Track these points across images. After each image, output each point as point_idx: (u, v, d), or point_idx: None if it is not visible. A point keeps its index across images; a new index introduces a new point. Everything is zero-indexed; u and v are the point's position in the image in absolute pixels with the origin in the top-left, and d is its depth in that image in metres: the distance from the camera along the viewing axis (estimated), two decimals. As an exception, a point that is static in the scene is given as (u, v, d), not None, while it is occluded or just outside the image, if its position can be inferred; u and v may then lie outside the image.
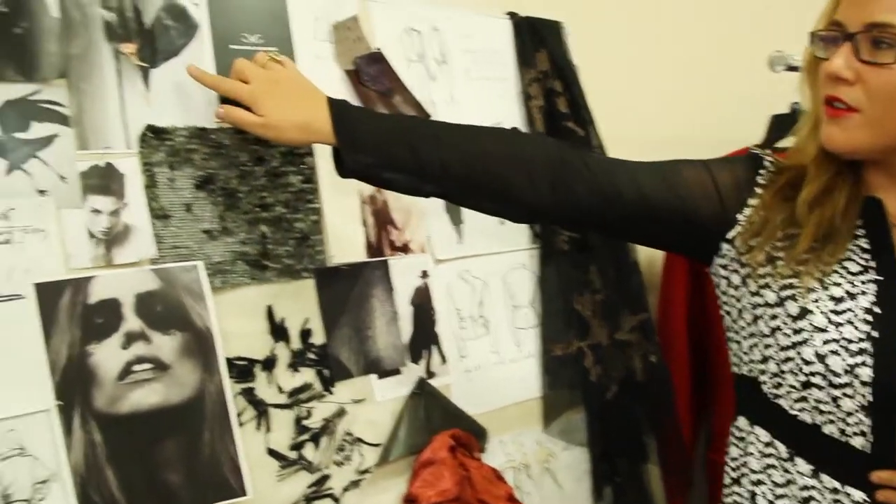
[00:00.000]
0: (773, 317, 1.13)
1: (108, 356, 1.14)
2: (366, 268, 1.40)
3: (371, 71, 1.43)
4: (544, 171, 1.18)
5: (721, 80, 2.11)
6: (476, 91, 1.60)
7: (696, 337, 1.89)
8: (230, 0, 1.30)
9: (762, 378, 1.18)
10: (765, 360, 1.16)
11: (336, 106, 1.19)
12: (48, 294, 1.11)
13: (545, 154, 1.20)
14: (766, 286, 1.14)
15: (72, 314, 1.12)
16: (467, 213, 1.54)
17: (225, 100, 1.21)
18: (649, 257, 1.91)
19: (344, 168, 1.18)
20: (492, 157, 1.18)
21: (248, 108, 1.18)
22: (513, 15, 1.69)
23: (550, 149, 1.22)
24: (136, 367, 1.16)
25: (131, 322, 1.16)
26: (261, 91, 1.18)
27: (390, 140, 1.17)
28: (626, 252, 1.75)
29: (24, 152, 1.12)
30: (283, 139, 1.19)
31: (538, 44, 1.70)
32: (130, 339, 1.16)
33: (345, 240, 1.38)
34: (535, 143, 1.27)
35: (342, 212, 1.38)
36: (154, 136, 1.21)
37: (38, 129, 1.13)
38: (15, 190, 1.10)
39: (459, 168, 1.17)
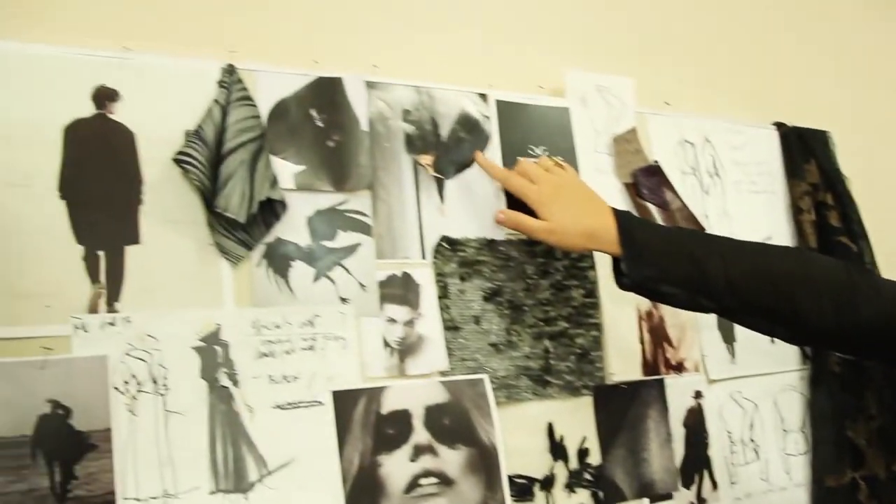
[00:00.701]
0: None
1: (396, 468, 1.13)
2: (643, 386, 1.35)
3: (649, 183, 1.40)
4: (831, 293, 1.11)
5: None
6: (746, 204, 1.56)
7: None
8: (519, 114, 1.32)
9: None
10: None
11: (621, 216, 1.17)
12: (344, 402, 1.11)
13: (833, 275, 1.13)
14: None
15: (365, 423, 1.12)
16: (740, 331, 1.47)
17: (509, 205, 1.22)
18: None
19: (624, 280, 1.15)
20: (779, 276, 1.12)
21: (527, 212, 1.17)
22: (780, 125, 1.64)
23: (838, 270, 1.14)
24: (423, 481, 1.14)
25: (420, 434, 1.15)
26: (547, 194, 1.17)
27: (673, 253, 1.13)
28: (904, 376, 1.62)
29: (330, 260, 1.14)
30: (566, 245, 1.17)
31: (807, 155, 1.64)
32: (419, 451, 1.14)
33: (622, 357, 1.34)
34: (823, 263, 1.19)
35: (620, 328, 1.35)
36: (448, 246, 1.22)
37: (343, 238, 1.16)
38: (320, 297, 1.13)
39: (745, 285, 1.12)
